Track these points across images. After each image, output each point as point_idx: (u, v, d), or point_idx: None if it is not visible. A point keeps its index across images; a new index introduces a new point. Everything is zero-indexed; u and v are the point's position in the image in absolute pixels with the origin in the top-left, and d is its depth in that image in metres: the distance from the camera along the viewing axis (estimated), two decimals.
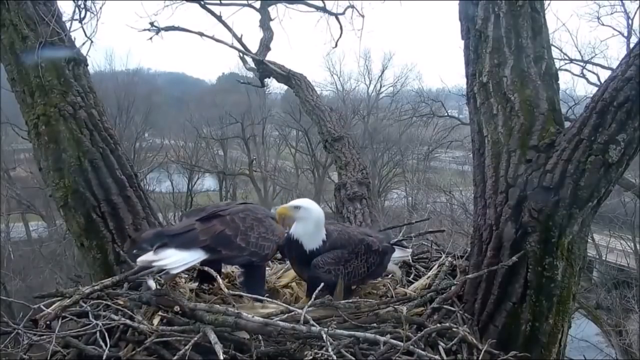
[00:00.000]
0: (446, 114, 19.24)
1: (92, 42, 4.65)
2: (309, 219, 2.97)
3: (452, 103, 20.51)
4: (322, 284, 2.67)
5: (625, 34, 13.51)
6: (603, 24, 14.21)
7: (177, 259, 2.68)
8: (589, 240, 3.27)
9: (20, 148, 21.17)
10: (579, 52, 15.24)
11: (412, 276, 3.57)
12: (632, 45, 3.36)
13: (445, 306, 2.93)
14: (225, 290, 2.76)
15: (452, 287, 3.04)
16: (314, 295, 2.55)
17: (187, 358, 2.34)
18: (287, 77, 7.04)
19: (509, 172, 2.88)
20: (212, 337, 2.36)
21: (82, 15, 4.57)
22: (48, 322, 2.61)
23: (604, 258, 17.08)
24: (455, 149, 21.90)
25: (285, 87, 7.94)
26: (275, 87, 21.95)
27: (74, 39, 4.16)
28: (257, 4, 7.88)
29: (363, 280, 3.18)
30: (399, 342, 2.34)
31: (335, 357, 2.19)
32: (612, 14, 14.10)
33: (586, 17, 17.21)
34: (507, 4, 3.02)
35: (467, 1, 3.17)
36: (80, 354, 2.57)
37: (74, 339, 2.62)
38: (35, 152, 4.00)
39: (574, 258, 2.83)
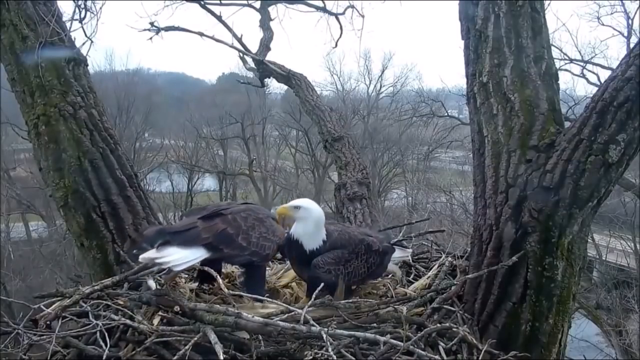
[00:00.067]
0: (446, 114, 19.23)
1: (92, 42, 4.66)
2: (309, 219, 2.97)
3: (452, 103, 20.51)
4: (322, 284, 2.67)
5: (625, 34, 13.52)
6: (603, 24, 14.23)
7: (179, 257, 2.69)
8: (589, 240, 3.27)
9: (20, 148, 21.18)
10: (579, 52, 15.25)
11: (412, 276, 3.57)
12: (632, 45, 3.37)
13: (445, 306, 2.93)
14: (225, 290, 2.76)
15: (452, 287, 3.04)
16: (314, 295, 2.55)
17: (187, 358, 2.34)
18: (287, 77, 7.04)
19: (509, 172, 2.88)
20: (212, 337, 2.37)
21: (82, 15, 4.58)
22: (48, 322, 2.61)
23: (604, 258, 17.08)
24: (455, 149, 21.89)
25: (285, 87, 7.94)
26: (275, 87, 21.97)
27: (74, 39, 4.16)
28: (257, 4, 7.89)
29: (363, 280, 3.18)
30: (399, 342, 2.34)
31: (335, 357, 2.19)
32: (612, 14, 14.12)
33: (586, 17, 17.24)
34: (507, 4, 3.02)
35: (467, 1, 3.17)
36: (80, 354, 2.58)
37: (74, 339, 2.62)
38: (35, 152, 4.00)
39: (574, 258, 2.83)
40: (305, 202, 3.03)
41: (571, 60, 14.43)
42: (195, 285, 3.18)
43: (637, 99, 2.54)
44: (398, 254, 3.43)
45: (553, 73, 3.05)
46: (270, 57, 7.37)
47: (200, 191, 28.40)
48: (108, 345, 2.47)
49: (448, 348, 2.55)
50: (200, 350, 2.41)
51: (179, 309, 2.54)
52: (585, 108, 2.78)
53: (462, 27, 3.23)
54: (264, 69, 7.34)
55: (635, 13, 12.99)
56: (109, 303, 2.82)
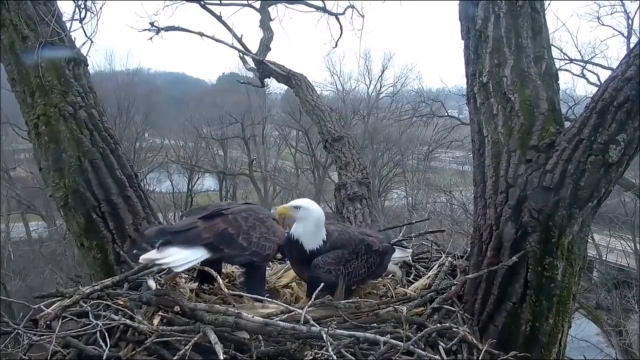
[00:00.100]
0: (446, 114, 19.23)
1: (92, 42, 4.66)
2: (309, 219, 2.96)
3: (452, 103, 20.50)
4: (322, 284, 2.67)
5: (625, 34, 13.52)
6: (603, 24, 14.23)
7: (180, 257, 2.68)
8: (589, 240, 3.26)
9: (20, 148, 21.18)
10: (579, 52, 15.25)
11: (412, 276, 3.57)
12: (632, 45, 3.37)
13: (445, 306, 2.93)
14: (226, 290, 2.77)
15: (452, 287, 3.04)
16: (314, 295, 2.55)
17: (187, 358, 2.34)
18: (287, 77, 7.04)
19: (509, 172, 2.88)
20: (212, 337, 2.37)
21: (82, 15, 4.59)
22: (48, 322, 2.61)
23: (604, 258, 17.08)
24: (455, 149, 21.89)
25: (285, 87, 7.94)
26: (275, 87, 21.94)
27: (74, 39, 4.16)
28: (257, 4, 7.89)
29: (363, 280, 3.18)
30: (399, 342, 2.34)
31: (335, 357, 2.19)
32: (612, 14, 14.12)
33: (586, 17, 17.23)
34: (507, 4, 3.02)
35: (467, 1, 3.17)
36: (80, 354, 2.58)
37: (74, 339, 2.62)
38: (35, 152, 4.00)
39: (574, 258, 2.83)
40: (305, 202, 3.03)
41: (571, 60, 14.45)
42: (195, 285, 3.18)
43: (637, 99, 2.54)
44: (398, 254, 3.43)
45: (553, 73, 3.05)
46: (270, 57, 7.38)
47: (200, 191, 28.40)
48: (108, 345, 2.47)
49: (448, 348, 2.55)
50: (200, 350, 2.41)
51: (179, 309, 2.53)
52: (585, 108, 2.78)
53: (462, 27, 3.23)
54: (264, 69, 7.34)
55: (635, 13, 13.01)
56: (109, 303, 2.82)
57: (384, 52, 43.80)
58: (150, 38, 7.10)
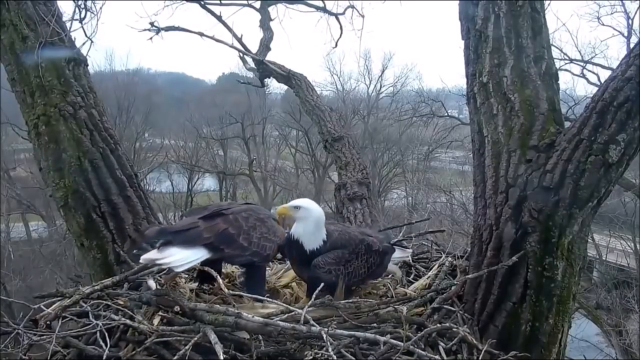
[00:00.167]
0: (446, 114, 19.21)
1: (92, 42, 4.66)
2: (309, 219, 2.96)
3: (452, 103, 20.50)
4: (322, 284, 2.67)
5: (625, 34, 13.51)
6: (603, 24, 14.22)
7: (180, 257, 2.68)
8: (589, 240, 3.26)
9: (20, 148, 21.18)
10: (579, 52, 15.25)
11: (412, 276, 3.57)
12: (632, 45, 3.37)
13: (445, 306, 2.93)
14: (226, 290, 2.76)
15: (452, 287, 3.04)
16: (314, 295, 2.55)
17: (187, 358, 2.34)
18: (287, 77, 7.04)
19: (509, 172, 2.88)
20: (212, 337, 2.37)
21: (82, 15, 4.59)
22: (48, 322, 2.61)
23: (604, 258, 17.08)
24: (455, 149, 21.88)
25: (285, 87, 7.94)
26: (275, 87, 21.95)
27: (74, 39, 4.16)
28: (257, 4, 7.89)
29: (363, 280, 3.18)
30: (399, 342, 2.34)
31: (335, 357, 2.19)
32: (612, 14, 14.12)
33: (586, 17, 17.25)
34: (507, 4, 3.02)
35: (467, 1, 3.17)
36: (80, 354, 2.58)
37: (74, 339, 2.62)
38: (35, 152, 4.00)
39: (574, 258, 2.83)
40: (305, 202, 3.03)
41: (571, 60, 14.44)
42: (195, 285, 3.18)
43: (637, 99, 2.54)
44: (398, 254, 3.43)
45: (553, 73, 3.05)
46: (270, 57, 7.38)
47: (200, 191, 28.40)
48: (108, 345, 2.47)
49: (448, 348, 2.55)
50: (200, 350, 2.41)
51: (179, 309, 2.54)
52: (585, 108, 2.77)
53: (462, 27, 3.23)
54: (264, 69, 7.34)
55: (635, 13, 13.01)
56: (109, 303, 2.82)
57: (384, 52, 43.90)
58: (150, 38, 7.11)
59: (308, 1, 8.06)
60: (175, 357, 2.33)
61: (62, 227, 15.99)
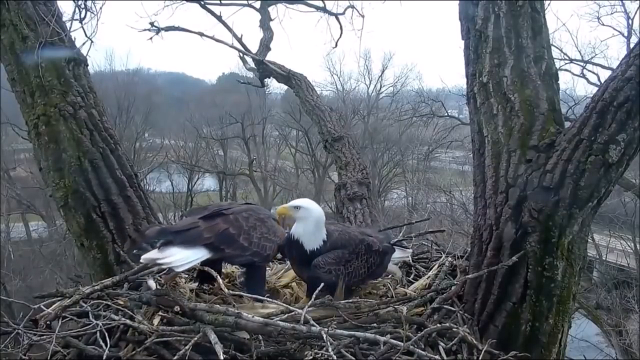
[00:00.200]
0: (446, 114, 19.21)
1: (92, 42, 4.66)
2: (309, 219, 2.96)
3: (452, 103, 20.50)
4: (322, 284, 2.67)
5: (625, 34, 13.52)
6: (603, 24, 14.22)
7: (181, 257, 2.68)
8: (589, 240, 3.26)
9: (20, 148, 21.19)
10: (579, 52, 15.25)
11: (412, 276, 3.57)
12: (632, 45, 3.37)
13: (445, 306, 2.93)
14: (226, 290, 2.76)
15: (452, 287, 3.04)
16: (314, 295, 2.55)
17: (187, 358, 2.34)
18: (287, 77, 7.04)
19: (509, 172, 2.88)
20: (212, 337, 2.37)
21: (82, 15, 4.59)
22: (48, 322, 2.61)
23: (604, 258, 17.08)
24: (455, 149, 21.87)
25: (285, 87, 7.94)
26: (275, 87, 21.95)
27: (74, 39, 4.16)
28: (257, 4, 7.89)
29: (363, 280, 3.18)
30: (399, 342, 2.34)
31: (335, 357, 2.19)
32: (612, 14, 14.12)
33: (586, 17, 17.24)
34: (507, 4, 3.02)
35: (467, 1, 3.17)
36: (80, 354, 2.58)
37: (74, 339, 2.62)
38: (35, 152, 4.00)
39: (574, 258, 2.83)
40: (305, 202, 3.03)
41: (571, 60, 14.45)
42: (195, 285, 3.18)
43: (637, 99, 2.54)
44: (398, 254, 3.43)
45: (553, 73, 3.05)
46: (270, 57, 7.37)
47: (200, 191, 28.40)
48: (108, 345, 2.47)
49: (448, 348, 2.55)
50: (201, 350, 2.41)
51: (179, 309, 2.54)
52: (585, 108, 2.78)
53: (462, 27, 3.23)
54: (264, 69, 7.34)
55: (635, 13, 13.01)
56: (109, 303, 2.82)
57: (384, 52, 43.90)
58: (150, 38, 7.11)
59: (308, 1, 8.06)
60: (175, 357, 2.33)
61: (62, 227, 15.99)
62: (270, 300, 2.82)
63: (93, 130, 3.87)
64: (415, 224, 5.71)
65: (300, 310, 2.46)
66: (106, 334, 2.53)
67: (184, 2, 7.56)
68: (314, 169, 28.26)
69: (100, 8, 4.82)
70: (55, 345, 2.49)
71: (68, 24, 4.19)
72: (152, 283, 3.05)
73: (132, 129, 26.06)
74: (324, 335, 2.25)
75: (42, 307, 2.71)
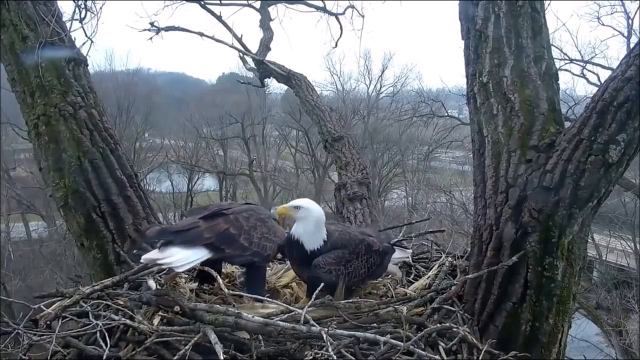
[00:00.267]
0: (446, 114, 19.22)
1: (92, 42, 4.66)
2: (309, 219, 2.96)
3: (452, 103, 20.50)
4: (323, 284, 2.67)
5: (625, 34, 13.52)
6: (603, 24, 14.22)
7: (181, 257, 2.68)
8: (589, 240, 3.26)
9: (20, 148, 21.19)
10: (579, 52, 15.26)
11: (412, 276, 3.57)
12: (632, 45, 3.37)
13: (445, 306, 2.93)
14: (226, 290, 2.76)
15: (452, 287, 3.04)
16: (314, 295, 2.55)
17: (187, 358, 2.34)
18: (287, 77, 7.04)
19: (509, 172, 2.88)
20: (212, 337, 2.37)
21: (82, 15, 4.59)
22: (48, 322, 2.61)
23: (604, 258, 17.08)
24: (455, 149, 21.87)
25: (285, 87, 7.94)
26: (275, 87, 21.96)
27: (74, 39, 4.16)
28: (257, 4, 7.89)
29: (363, 280, 3.18)
30: (399, 342, 2.34)
31: (335, 357, 2.19)
32: (612, 14, 14.12)
33: (586, 17, 17.24)
34: (507, 4, 3.02)
35: (467, 1, 3.17)
36: (80, 354, 2.58)
37: (74, 339, 2.62)
38: (35, 152, 4.00)
39: (574, 258, 2.83)
40: (306, 202, 3.03)
41: (571, 60, 14.45)
42: (195, 285, 3.18)
43: (637, 99, 2.54)
44: (398, 254, 3.43)
45: (553, 73, 3.05)
46: (270, 57, 7.37)
47: (200, 191, 28.40)
48: (108, 345, 2.47)
49: (448, 348, 2.55)
50: (201, 350, 2.41)
51: (179, 309, 2.53)
52: (585, 108, 2.78)
53: (462, 27, 3.23)
54: (264, 69, 7.34)
55: (635, 13, 13.01)
56: (109, 303, 2.82)
57: (384, 52, 43.92)
58: (150, 38, 7.11)
59: (308, 1, 8.06)
60: (175, 357, 2.33)
61: (62, 227, 15.99)
62: (270, 300, 2.82)
63: (93, 130, 3.88)
64: (415, 224, 5.70)
65: (300, 310, 2.46)
66: (106, 334, 2.53)
67: (184, 2, 7.57)
68: (314, 169, 28.26)
69: (100, 8, 4.83)
70: (55, 345, 2.50)
71: (68, 24, 4.20)
72: (152, 283, 3.05)
73: (132, 129, 26.06)
74: (324, 335, 2.25)
75: (42, 307, 2.71)
